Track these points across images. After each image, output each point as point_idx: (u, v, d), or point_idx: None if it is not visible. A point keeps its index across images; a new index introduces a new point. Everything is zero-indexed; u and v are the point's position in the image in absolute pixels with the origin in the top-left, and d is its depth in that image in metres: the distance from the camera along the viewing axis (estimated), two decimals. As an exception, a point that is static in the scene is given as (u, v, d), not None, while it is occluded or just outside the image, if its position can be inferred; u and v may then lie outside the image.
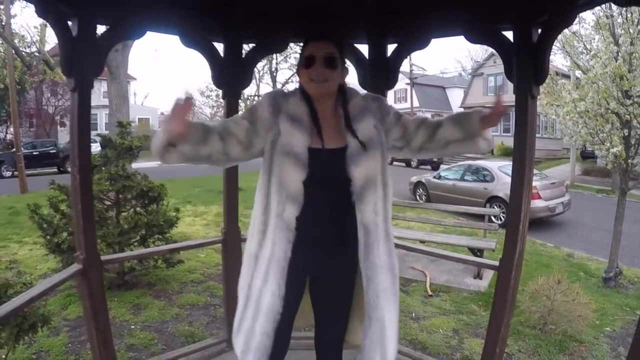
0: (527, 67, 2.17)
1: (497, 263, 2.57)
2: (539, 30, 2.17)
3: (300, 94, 1.82)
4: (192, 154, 1.65)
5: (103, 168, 4.87)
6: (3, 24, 13.50)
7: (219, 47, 2.90)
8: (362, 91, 2.07)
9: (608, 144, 5.98)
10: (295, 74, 2.02)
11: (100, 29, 2.47)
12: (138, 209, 5.07)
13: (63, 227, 4.81)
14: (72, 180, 2.47)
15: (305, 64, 1.78)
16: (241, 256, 2.06)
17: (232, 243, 3.15)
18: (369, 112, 1.85)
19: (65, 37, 2.26)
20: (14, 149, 15.79)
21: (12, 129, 19.32)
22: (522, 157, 2.24)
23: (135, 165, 5.53)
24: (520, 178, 2.26)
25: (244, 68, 2.92)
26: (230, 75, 2.90)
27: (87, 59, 2.32)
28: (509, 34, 2.25)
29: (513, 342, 4.11)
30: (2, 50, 15.15)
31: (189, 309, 4.73)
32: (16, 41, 14.11)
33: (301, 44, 1.95)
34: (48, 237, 4.84)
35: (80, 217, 2.45)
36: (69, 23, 2.28)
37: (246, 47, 3.06)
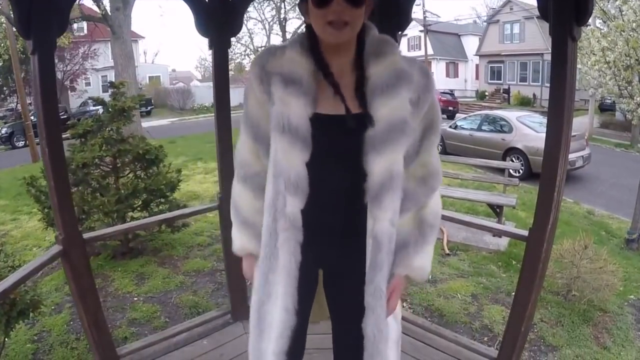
0: (566, 3, 1.77)
1: (526, 232, 2.26)
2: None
3: (301, 45, 1.35)
4: None
5: (98, 134, 4.59)
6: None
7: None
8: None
9: (638, 98, 5.51)
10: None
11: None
12: (138, 172, 4.83)
13: (60, 198, 4.61)
14: (42, 155, 2.21)
15: (316, 1, 1.26)
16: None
17: (229, 209, 2.88)
18: (408, 82, 1.31)
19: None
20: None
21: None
22: (559, 112, 1.85)
23: (146, 124, 5.28)
24: (557, 136, 1.88)
25: (232, 13, 2.56)
26: (217, 22, 2.53)
27: (46, 16, 2.00)
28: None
29: (535, 310, 3.88)
30: (3, 21, 14.89)
31: (194, 275, 4.59)
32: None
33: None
34: (45, 210, 4.65)
35: (55, 194, 2.21)
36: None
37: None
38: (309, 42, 1.34)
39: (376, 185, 1.30)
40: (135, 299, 4.09)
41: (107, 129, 4.49)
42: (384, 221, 1.34)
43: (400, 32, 2.47)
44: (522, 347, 2.49)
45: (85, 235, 2.47)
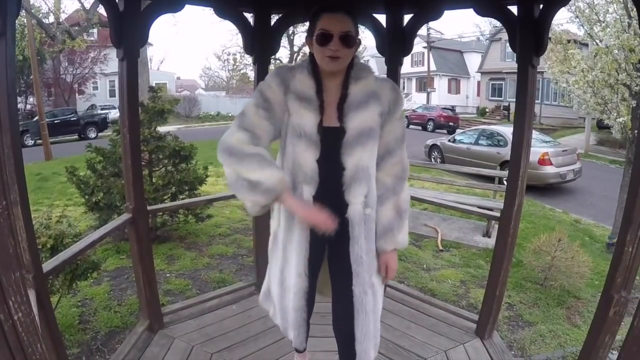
0: (528, 40, 2.42)
1: (499, 214, 2.87)
2: (541, 6, 2.40)
3: (307, 69, 1.79)
4: None
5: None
6: (23, -4, 13.75)
7: (250, 17, 3.17)
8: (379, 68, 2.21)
9: (615, 114, 6.13)
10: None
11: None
12: (169, 167, 5.45)
13: (100, 187, 5.19)
14: (123, 139, 2.80)
15: (319, 40, 1.70)
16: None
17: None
18: (377, 99, 1.78)
19: (114, 12, 2.54)
20: (35, 118, 16.09)
21: (31, 99, 19.61)
22: (522, 119, 2.52)
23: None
24: (520, 137, 2.54)
25: (272, 36, 3.20)
26: (260, 43, 3.17)
27: (133, 31, 2.61)
28: (514, 9, 2.49)
29: (515, 294, 4.45)
30: (18, 25, 15.43)
31: (218, 258, 5.16)
32: (32, 12, 14.38)
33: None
34: (86, 196, 5.25)
35: (130, 171, 2.79)
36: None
37: (274, 17, 3.33)
38: (312, 67, 1.79)
39: (348, 177, 1.77)
40: (168, 275, 4.65)
41: (146, 127, 5.10)
42: (356, 204, 1.80)
43: (404, 57, 3.12)
44: (498, 309, 3.05)
45: (150, 207, 3.06)
